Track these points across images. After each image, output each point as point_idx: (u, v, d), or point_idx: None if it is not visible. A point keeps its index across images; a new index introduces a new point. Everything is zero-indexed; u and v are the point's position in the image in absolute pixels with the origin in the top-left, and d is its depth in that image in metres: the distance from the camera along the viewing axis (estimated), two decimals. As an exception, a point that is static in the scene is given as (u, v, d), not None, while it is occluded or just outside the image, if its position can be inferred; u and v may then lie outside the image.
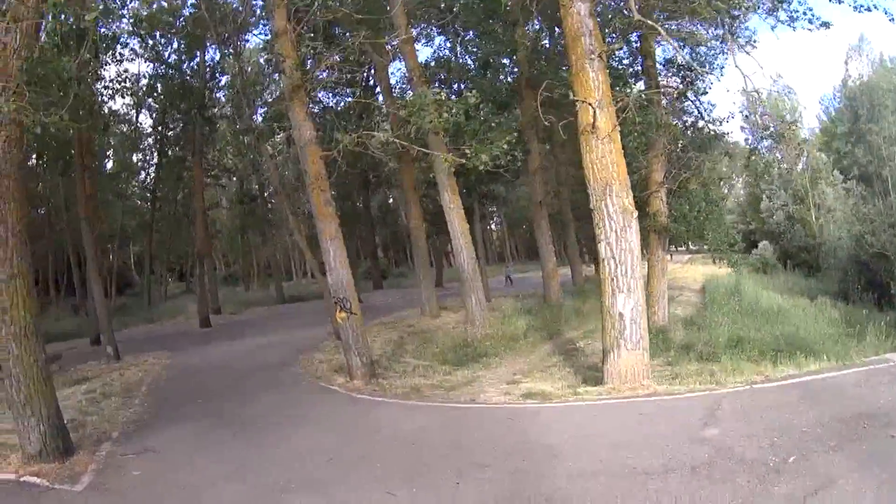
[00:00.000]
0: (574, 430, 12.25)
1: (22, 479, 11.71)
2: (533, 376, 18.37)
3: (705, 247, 37.98)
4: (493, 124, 25.60)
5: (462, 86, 35.49)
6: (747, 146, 31.50)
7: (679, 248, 76.94)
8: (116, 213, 56.45)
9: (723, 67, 28.88)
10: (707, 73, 25.26)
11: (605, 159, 14.79)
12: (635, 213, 15.05)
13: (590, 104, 14.66)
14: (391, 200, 77.53)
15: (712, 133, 27.91)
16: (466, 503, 9.35)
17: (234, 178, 61.56)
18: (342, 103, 37.28)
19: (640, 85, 26.41)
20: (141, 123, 54.99)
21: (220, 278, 75.53)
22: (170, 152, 52.34)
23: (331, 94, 36.42)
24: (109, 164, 58.79)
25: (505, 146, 18.48)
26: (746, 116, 28.72)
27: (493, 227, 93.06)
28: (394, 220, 73.79)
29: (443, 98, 18.53)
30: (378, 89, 39.31)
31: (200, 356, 27.58)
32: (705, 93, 29.21)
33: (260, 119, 35.71)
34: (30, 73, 12.53)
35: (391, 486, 9.97)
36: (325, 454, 12.11)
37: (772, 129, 23.65)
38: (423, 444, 12.38)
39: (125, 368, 24.89)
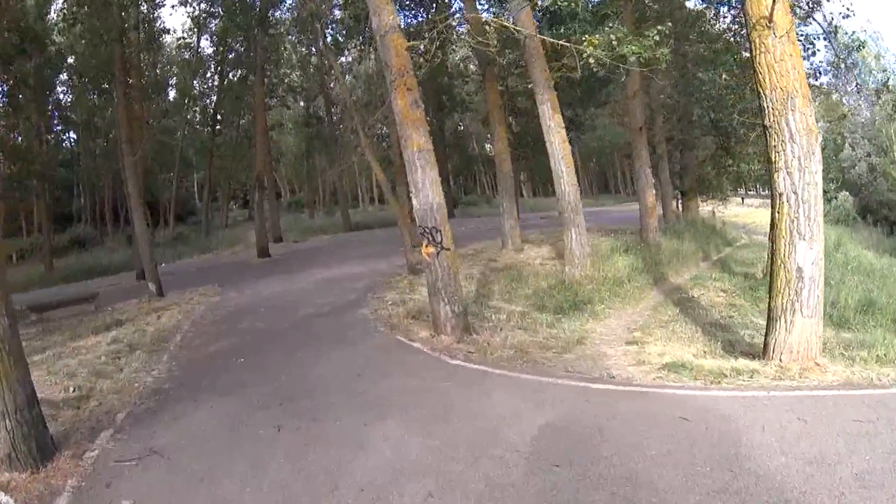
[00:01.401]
0: (796, 446, 7.93)
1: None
2: (654, 334, 14.75)
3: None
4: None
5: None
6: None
7: (749, 192, 71.20)
8: (177, 140, 54.86)
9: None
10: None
11: (784, 63, 11.09)
12: (820, 137, 11.48)
13: (765, -11, 10.63)
14: (460, 127, 72.45)
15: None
16: None
17: (300, 100, 57.92)
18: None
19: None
20: (203, 49, 53.04)
21: (285, 205, 74.72)
22: (231, 75, 50.31)
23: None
24: (172, 94, 57.81)
25: (656, 38, 15.88)
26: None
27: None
28: (464, 146, 68.44)
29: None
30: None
31: (253, 292, 23.69)
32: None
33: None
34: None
35: None
36: (421, 482, 7.66)
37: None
38: (573, 467, 7.76)
39: (166, 308, 21.28)
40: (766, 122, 11.27)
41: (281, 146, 70.70)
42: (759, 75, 11.31)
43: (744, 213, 48.42)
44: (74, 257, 43.83)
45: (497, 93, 29.89)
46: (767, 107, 11.21)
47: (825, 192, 23.30)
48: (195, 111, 56.65)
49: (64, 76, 50.20)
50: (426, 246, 14.47)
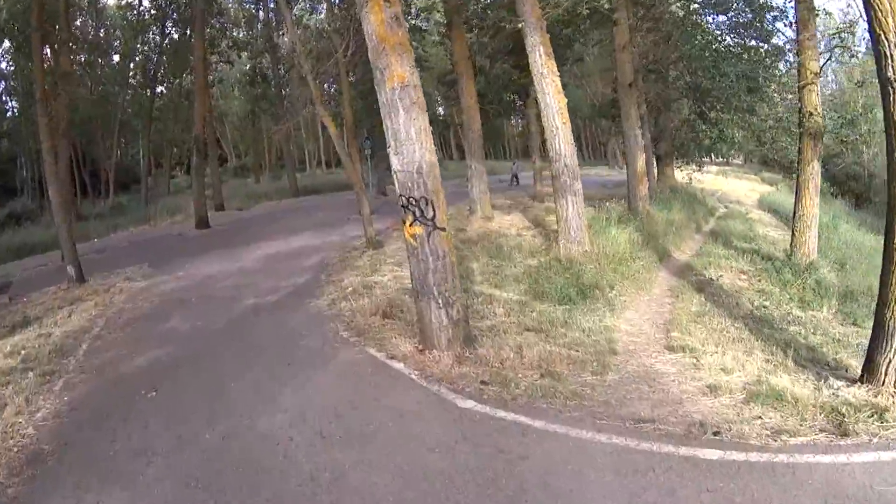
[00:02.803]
0: None
1: None
2: (694, 334, 11.47)
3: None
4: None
5: None
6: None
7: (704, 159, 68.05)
8: (116, 105, 51.42)
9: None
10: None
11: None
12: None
13: None
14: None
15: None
16: None
17: (245, 57, 53.01)
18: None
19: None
20: (144, 8, 49.11)
21: (231, 170, 71.81)
22: (173, 30, 47.61)
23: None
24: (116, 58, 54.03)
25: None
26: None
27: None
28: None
29: None
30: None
31: (186, 274, 18.85)
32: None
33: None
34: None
35: None
36: None
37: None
38: None
39: (82, 299, 16.72)
40: (889, 75, 8.01)
41: (224, 108, 68.86)
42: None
43: (707, 180, 46.04)
44: (9, 234, 38.30)
45: (464, 44, 25.99)
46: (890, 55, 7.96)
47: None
48: (136, 72, 53.32)
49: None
50: (410, 224, 10.02)
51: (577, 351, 10.32)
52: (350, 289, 14.79)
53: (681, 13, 30.23)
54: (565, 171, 17.34)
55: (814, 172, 18.85)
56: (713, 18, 30.03)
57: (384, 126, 9.85)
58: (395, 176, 10.06)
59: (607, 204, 24.69)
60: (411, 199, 9.89)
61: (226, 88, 65.57)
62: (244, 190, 50.76)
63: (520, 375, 9.15)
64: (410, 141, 9.71)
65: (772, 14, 27.12)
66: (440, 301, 9.97)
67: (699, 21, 30.18)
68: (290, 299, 14.61)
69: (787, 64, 26.96)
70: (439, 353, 9.89)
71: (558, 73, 17.64)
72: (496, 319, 12.18)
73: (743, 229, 25.97)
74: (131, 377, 10.32)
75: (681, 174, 37.42)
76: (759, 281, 16.99)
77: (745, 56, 26.35)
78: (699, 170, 37.27)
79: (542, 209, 27.11)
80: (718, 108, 29.23)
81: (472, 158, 25.55)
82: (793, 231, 18.93)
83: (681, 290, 15.38)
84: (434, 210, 9.85)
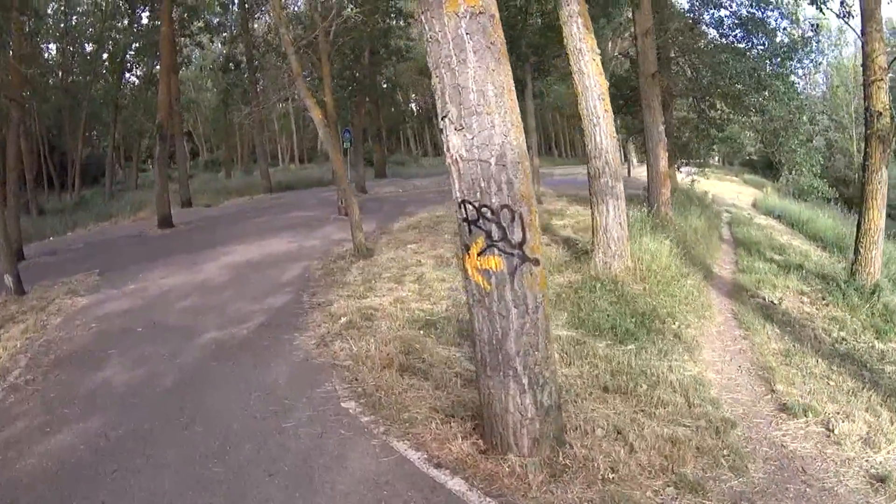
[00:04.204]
0: None
1: None
2: (798, 385, 8.92)
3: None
4: None
5: None
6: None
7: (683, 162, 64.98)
8: (84, 94, 47.42)
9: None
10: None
11: None
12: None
13: None
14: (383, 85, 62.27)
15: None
16: None
17: (217, 41, 48.56)
18: None
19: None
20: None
21: (201, 164, 68.32)
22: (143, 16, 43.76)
23: None
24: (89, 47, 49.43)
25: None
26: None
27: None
28: (396, 100, 59.29)
29: None
30: None
31: (138, 288, 14.63)
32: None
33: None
34: None
35: None
36: None
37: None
38: None
39: (14, 320, 12.73)
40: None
41: (196, 99, 64.92)
42: None
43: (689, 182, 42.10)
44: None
45: None
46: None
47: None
48: (106, 60, 48.51)
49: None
50: (479, 253, 5.83)
51: (688, 426, 7.07)
52: (344, 319, 10.83)
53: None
54: (606, 170, 13.66)
55: (882, 181, 15.61)
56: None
57: (434, 82, 5.68)
58: (452, 167, 5.83)
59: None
60: (485, 208, 5.68)
61: (198, 80, 61.72)
62: (214, 185, 46.54)
63: (647, 494, 5.63)
64: (486, 106, 5.55)
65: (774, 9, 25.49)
66: (525, 380, 5.89)
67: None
68: (265, 334, 10.59)
69: (798, 61, 25.26)
70: (518, 458, 5.89)
71: (598, 51, 13.88)
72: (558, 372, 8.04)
73: (762, 237, 22.94)
74: (32, 478, 6.39)
75: (681, 176, 34.45)
76: (826, 305, 13.83)
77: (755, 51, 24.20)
78: (702, 171, 33.83)
79: (542, 211, 23.04)
80: (722, 106, 26.97)
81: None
82: (856, 247, 15.50)
83: (745, 317, 12.41)
84: (524, 229, 5.71)
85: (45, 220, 32.02)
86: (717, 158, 62.52)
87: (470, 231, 5.76)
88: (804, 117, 24.71)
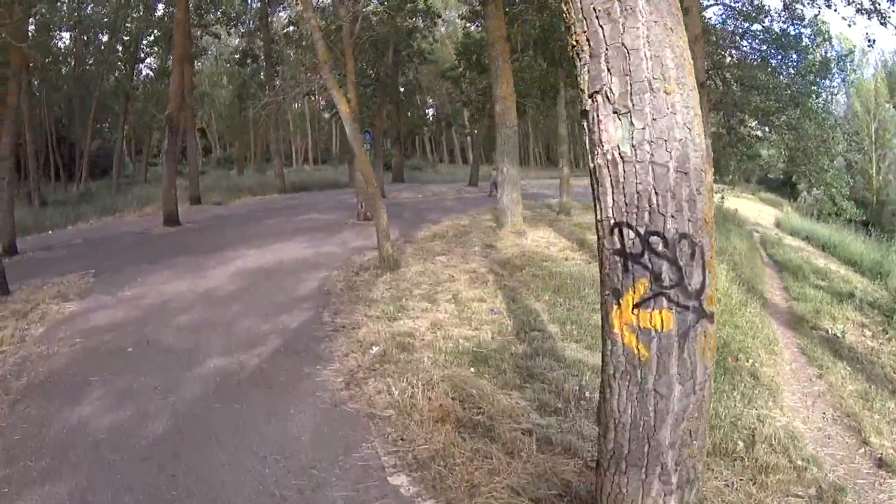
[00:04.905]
0: None
1: None
2: (888, 436, 7.81)
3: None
4: None
5: None
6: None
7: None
8: (94, 83, 46.22)
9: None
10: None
11: None
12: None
13: None
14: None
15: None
16: None
17: (235, 35, 47.91)
18: None
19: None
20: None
21: (213, 161, 66.73)
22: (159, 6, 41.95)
23: None
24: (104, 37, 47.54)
25: None
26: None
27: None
28: (416, 103, 57.52)
29: None
30: None
31: (135, 295, 12.58)
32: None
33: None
34: None
35: None
36: None
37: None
38: None
39: None
40: None
41: (212, 95, 63.33)
42: None
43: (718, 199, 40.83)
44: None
45: (502, 19, 20.38)
46: None
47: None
48: (117, 50, 46.85)
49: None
50: (636, 305, 3.70)
51: (801, 497, 6.01)
52: (376, 349, 8.85)
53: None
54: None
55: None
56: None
57: (578, 41, 3.60)
58: (602, 171, 3.71)
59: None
60: (654, 237, 3.63)
61: (213, 76, 60.09)
62: (225, 182, 44.15)
63: None
64: (665, 81, 3.51)
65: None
66: (675, 478, 3.91)
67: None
68: (281, 364, 8.56)
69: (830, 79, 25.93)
70: None
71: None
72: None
73: (800, 261, 21.72)
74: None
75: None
76: (889, 340, 12.49)
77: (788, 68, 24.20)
78: (731, 188, 32.29)
79: (572, 224, 21.96)
80: (751, 123, 26.73)
81: (504, 160, 19.77)
82: None
83: (814, 353, 11.52)
84: (704, 270, 3.70)
85: (46, 212, 30.13)
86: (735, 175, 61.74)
87: (626, 269, 3.69)
88: (838, 136, 23.73)
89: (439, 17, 34.78)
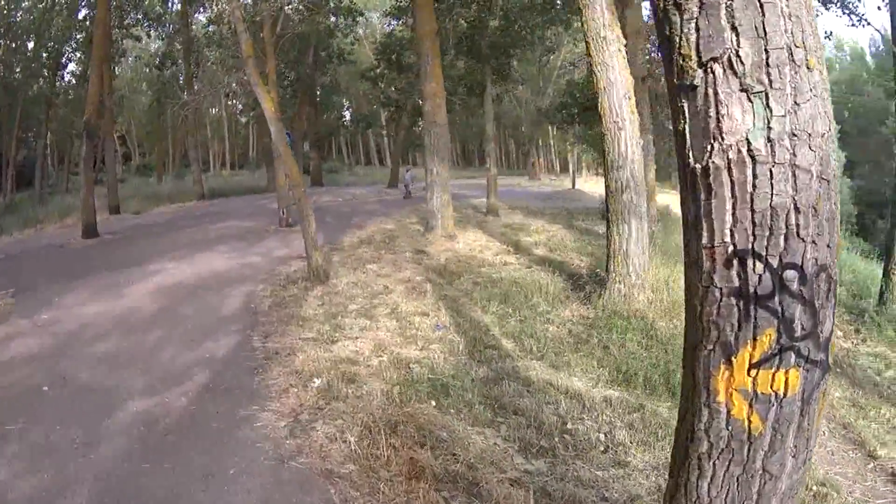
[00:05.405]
0: None
1: None
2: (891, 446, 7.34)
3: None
4: None
5: None
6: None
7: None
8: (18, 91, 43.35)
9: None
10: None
11: None
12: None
13: None
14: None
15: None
16: None
17: (156, 38, 45.91)
18: None
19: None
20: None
21: (133, 169, 63.53)
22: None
23: None
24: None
25: None
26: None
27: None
28: (332, 104, 55.95)
29: None
30: None
31: (49, 319, 10.81)
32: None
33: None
34: None
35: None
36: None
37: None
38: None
39: None
40: None
41: (132, 101, 59.96)
42: None
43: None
44: None
45: (432, 14, 19.14)
46: None
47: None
48: (41, 56, 44.28)
49: None
50: (756, 364, 2.50)
51: None
52: (318, 381, 7.50)
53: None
54: (631, 183, 10.93)
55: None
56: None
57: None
58: (715, 175, 2.43)
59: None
60: (790, 270, 2.40)
61: (133, 83, 58.03)
62: (144, 190, 42.13)
63: None
64: (808, 53, 2.32)
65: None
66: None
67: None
68: (212, 405, 7.11)
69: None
70: None
71: (624, 41, 11.28)
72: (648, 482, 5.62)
73: None
74: None
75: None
76: (864, 341, 12.02)
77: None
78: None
79: (502, 225, 21.21)
80: None
81: (433, 160, 18.71)
82: (886, 274, 13.58)
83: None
84: (834, 311, 2.55)
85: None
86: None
87: (747, 316, 2.49)
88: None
89: (361, 14, 33.52)
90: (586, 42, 10.91)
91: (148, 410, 6.91)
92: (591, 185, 43.76)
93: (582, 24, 10.87)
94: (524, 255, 15.82)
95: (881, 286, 13.59)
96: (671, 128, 2.67)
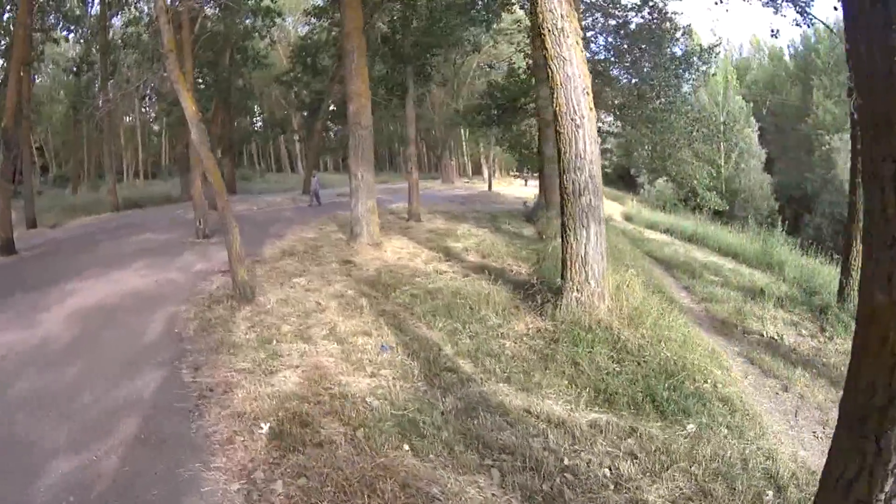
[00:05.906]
0: None
1: None
2: None
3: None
4: None
5: None
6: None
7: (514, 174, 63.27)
8: None
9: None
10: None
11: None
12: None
13: None
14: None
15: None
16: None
17: (75, 42, 42.46)
18: None
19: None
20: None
21: (50, 180, 59.20)
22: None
23: None
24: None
25: None
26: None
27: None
28: (245, 109, 53.53)
29: None
30: None
31: None
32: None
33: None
34: None
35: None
36: None
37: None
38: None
39: None
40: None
41: (48, 111, 56.98)
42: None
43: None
44: None
45: (359, 10, 17.98)
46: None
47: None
48: None
49: None
50: None
51: None
52: (265, 426, 6.23)
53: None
54: (590, 185, 9.89)
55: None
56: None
57: None
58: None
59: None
60: None
61: (51, 91, 56.52)
62: (61, 202, 39.34)
63: None
64: None
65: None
66: None
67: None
68: (148, 464, 5.67)
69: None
70: None
71: (582, 34, 10.36)
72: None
73: (679, 256, 20.32)
74: None
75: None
76: (830, 339, 11.35)
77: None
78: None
79: (427, 231, 20.42)
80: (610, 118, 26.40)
81: (358, 164, 17.45)
82: (846, 269, 12.80)
83: (761, 361, 10.06)
84: None
85: None
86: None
87: None
88: (701, 129, 23.03)
89: (279, 15, 32.05)
90: (542, 35, 9.86)
91: (75, 474, 5.50)
92: (507, 187, 43.16)
93: (537, 16, 9.80)
94: (456, 262, 14.91)
95: (840, 283, 13.11)
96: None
